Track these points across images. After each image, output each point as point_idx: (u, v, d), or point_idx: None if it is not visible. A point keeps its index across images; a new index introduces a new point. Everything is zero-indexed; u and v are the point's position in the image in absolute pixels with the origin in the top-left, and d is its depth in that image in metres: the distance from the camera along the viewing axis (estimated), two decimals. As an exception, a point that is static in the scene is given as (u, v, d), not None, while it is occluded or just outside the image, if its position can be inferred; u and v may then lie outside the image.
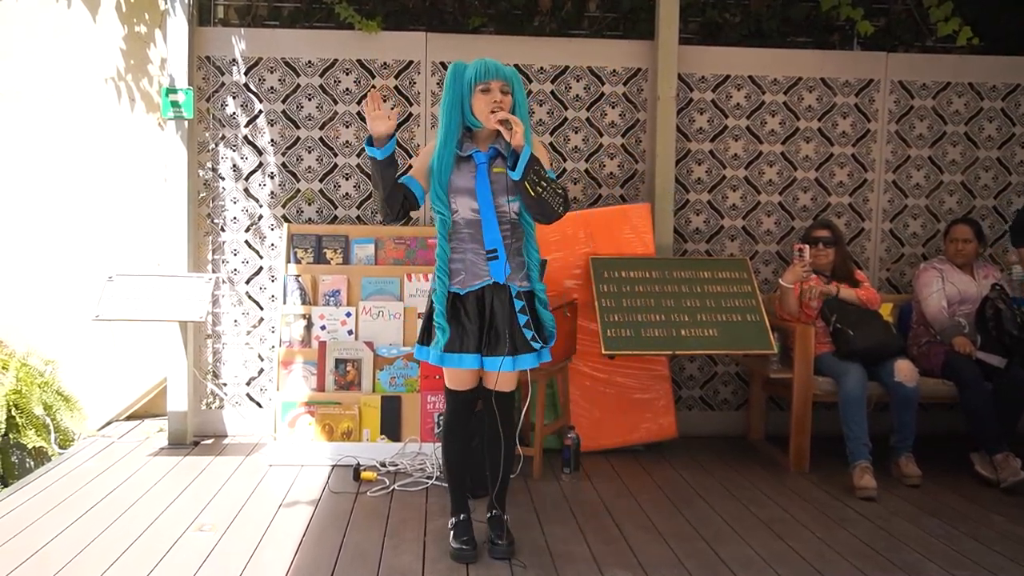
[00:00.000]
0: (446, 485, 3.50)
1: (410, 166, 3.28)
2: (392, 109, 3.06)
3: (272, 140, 4.95)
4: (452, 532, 3.30)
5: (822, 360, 4.43)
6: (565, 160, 5.08)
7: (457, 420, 3.31)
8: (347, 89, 4.97)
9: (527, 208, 3.13)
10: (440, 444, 3.39)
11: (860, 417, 4.18)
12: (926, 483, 4.21)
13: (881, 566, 3.24)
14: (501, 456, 3.27)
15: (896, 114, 5.22)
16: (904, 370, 4.25)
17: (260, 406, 5.00)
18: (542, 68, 5.04)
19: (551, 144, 5.06)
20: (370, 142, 3.04)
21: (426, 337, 3.23)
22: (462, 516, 3.31)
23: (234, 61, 4.91)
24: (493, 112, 3.05)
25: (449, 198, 3.16)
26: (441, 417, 4.26)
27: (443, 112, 3.14)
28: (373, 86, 2.97)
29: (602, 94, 5.07)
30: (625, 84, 5.09)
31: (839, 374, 4.31)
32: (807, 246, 4.48)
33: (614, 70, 5.06)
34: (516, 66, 4.98)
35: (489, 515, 3.34)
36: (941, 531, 3.62)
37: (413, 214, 5.03)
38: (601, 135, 5.10)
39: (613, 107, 5.08)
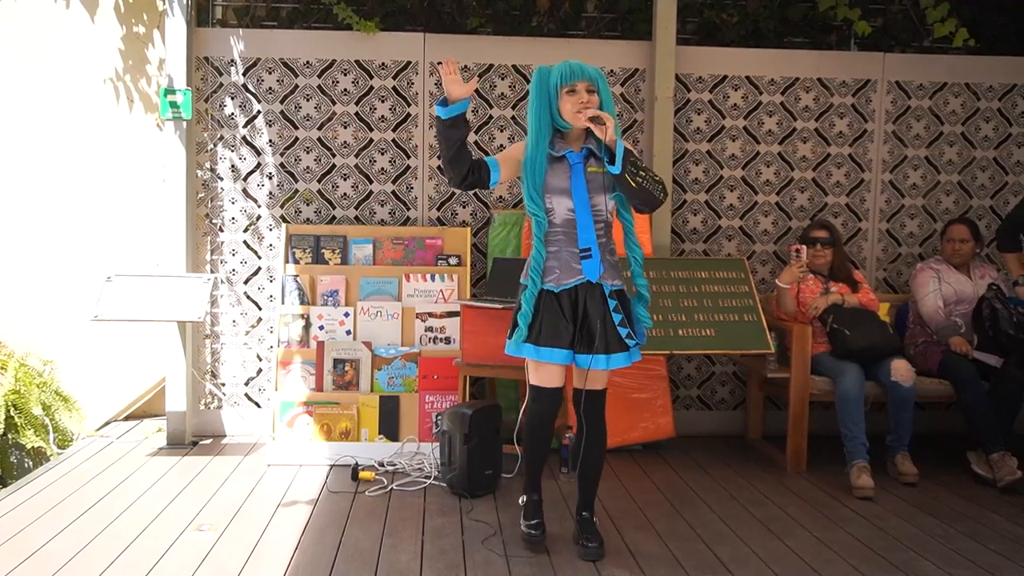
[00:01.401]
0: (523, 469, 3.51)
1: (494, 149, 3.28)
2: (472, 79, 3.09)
3: (270, 140, 4.96)
4: (524, 513, 3.38)
5: (819, 360, 4.44)
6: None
7: (542, 421, 3.30)
8: (345, 90, 4.97)
9: (629, 199, 3.15)
10: (524, 442, 3.41)
11: (857, 417, 4.19)
12: (923, 482, 4.22)
13: (878, 565, 3.25)
14: (596, 459, 3.33)
15: (893, 114, 5.24)
16: (901, 370, 4.26)
17: (259, 406, 5.01)
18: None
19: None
20: (442, 103, 3.03)
21: (513, 333, 3.24)
22: (534, 496, 3.38)
23: (232, 62, 4.92)
24: (579, 112, 3.08)
25: (544, 199, 3.17)
26: (440, 417, 4.27)
27: (531, 116, 3.17)
28: (444, 61, 3.01)
29: (600, 94, 5.08)
30: (623, 85, 5.10)
31: (836, 374, 4.32)
32: (804, 246, 4.49)
33: (612, 71, 5.07)
34: (513, 67, 5.01)
35: (580, 516, 3.36)
36: (938, 530, 3.63)
37: (412, 214, 5.04)
38: (599, 135, 5.10)
39: (611, 107, 5.09)
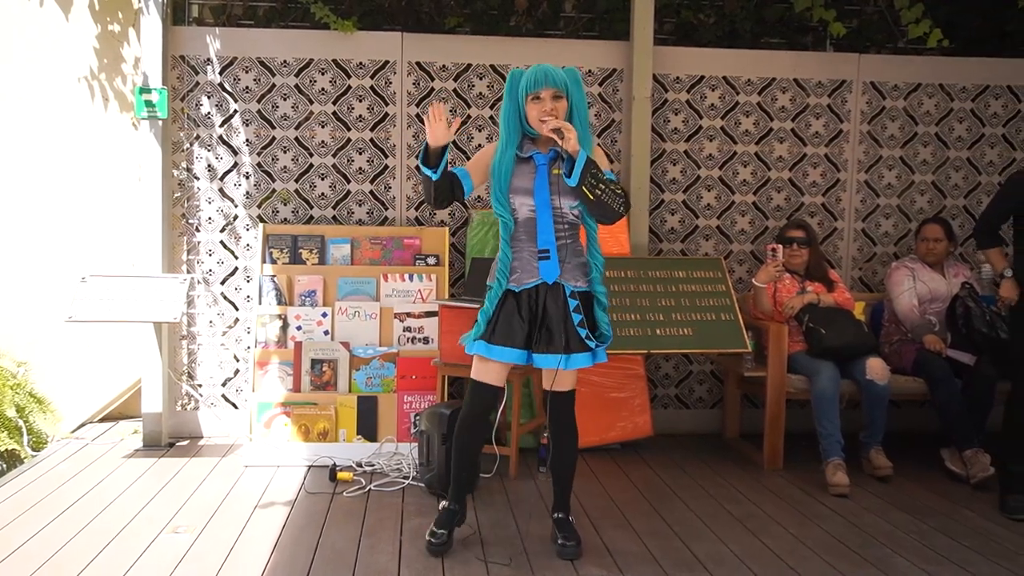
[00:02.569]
0: (450, 475, 3.47)
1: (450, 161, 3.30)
2: (454, 118, 3.11)
3: (247, 140, 4.94)
4: (435, 520, 3.33)
5: (795, 358, 4.48)
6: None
7: (474, 416, 3.30)
8: (323, 89, 4.96)
9: (588, 211, 3.17)
10: (453, 443, 3.39)
11: (833, 415, 4.23)
12: (897, 479, 4.27)
13: (853, 561, 3.28)
14: (566, 459, 3.32)
15: (868, 115, 5.28)
16: (876, 368, 4.30)
17: (236, 407, 4.98)
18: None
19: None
20: (424, 153, 3.11)
21: (474, 330, 3.27)
22: (455, 505, 3.34)
23: (209, 60, 4.89)
24: (540, 119, 3.10)
25: (509, 199, 3.20)
26: (418, 417, 4.27)
27: (502, 119, 3.22)
28: (436, 101, 3.11)
29: (578, 94, 5.08)
30: (600, 84, 5.11)
31: (812, 372, 4.35)
32: (780, 246, 4.53)
33: (590, 70, 5.09)
34: (491, 67, 5.01)
35: (556, 516, 3.36)
36: (912, 526, 3.67)
37: (390, 213, 5.03)
38: (577, 135, 5.11)
39: (589, 107, 5.08)
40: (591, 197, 3.06)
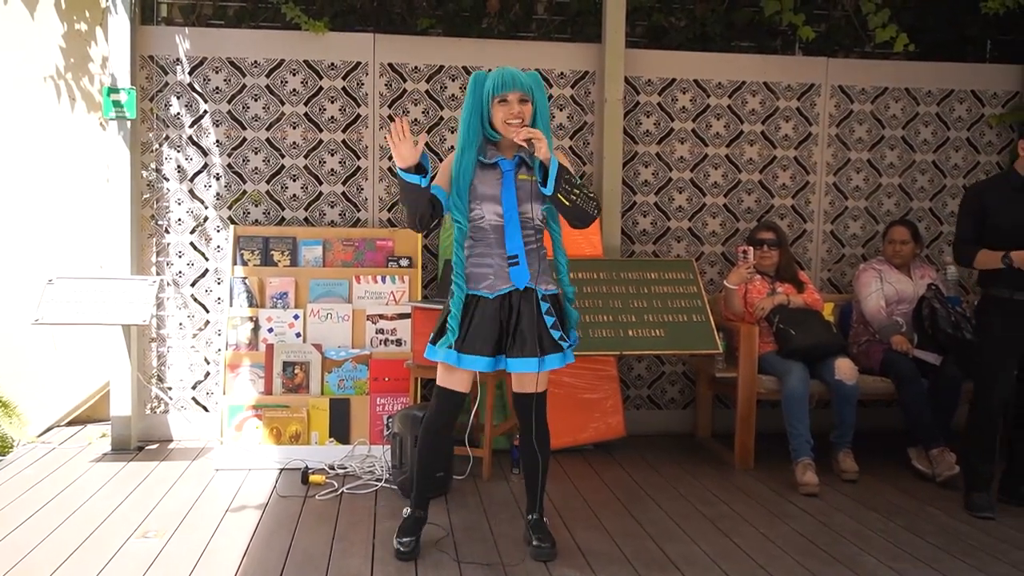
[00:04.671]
0: (412, 480, 3.45)
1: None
2: (419, 134, 3.06)
3: (217, 141, 4.90)
4: (399, 527, 3.31)
5: (765, 359, 4.52)
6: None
7: (442, 420, 3.29)
8: (294, 90, 4.93)
9: (564, 216, 3.16)
10: (418, 449, 3.36)
11: (802, 415, 4.27)
12: (865, 478, 4.33)
13: (822, 560, 3.32)
14: (538, 461, 3.30)
15: (836, 118, 5.35)
16: (844, 368, 4.35)
17: (206, 410, 4.94)
18: (490, 70, 5.03)
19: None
20: (410, 169, 3.03)
21: (438, 337, 3.22)
22: (419, 513, 3.33)
23: (178, 60, 4.84)
24: (508, 123, 3.08)
25: (471, 205, 3.17)
26: (391, 419, 4.25)
27: (462, 121, 3.18)
28: (392, 117, 2.99)
29: (550, 96, 5.10)
30: (573, 87, 5.13)
31: (782, 373, 4.40)
32: (751, 248, 4.57)
33: (562, 73, 5.10)
34: (464, 68, 5.01)
35: (531, 518, 3.35)
36: (880, 525, 3.72)
37: (362, 215, 5.01)
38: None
39: (561, 109, 5.12)
40: (567, 203, 3.07)
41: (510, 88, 3.10)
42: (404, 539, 3.26)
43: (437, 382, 3.28)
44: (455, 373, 3.22)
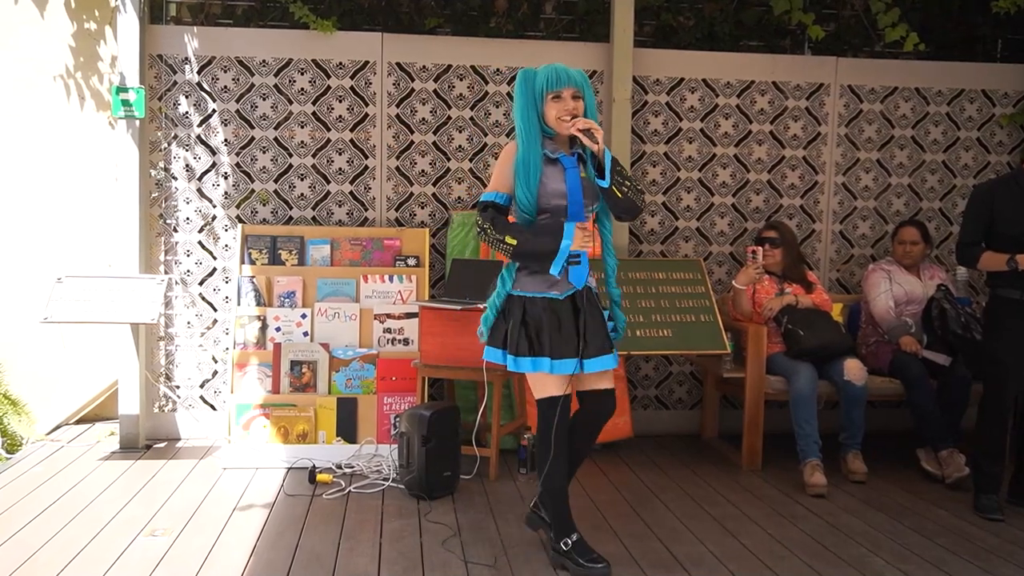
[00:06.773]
0: (552, 509, 3.25)
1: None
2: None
3: (226, 140, 4.90)
4: (575, 552, 3.12)
5: (774, 360, 4.51)
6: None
7: (563, 432, 3.14)
8: (302, 89, 4.93)
9: (613, 209, 3.12)
10: (549, 467, 3.18)
11: (811, 415, 4.26)
12: (874, 479, 4.31)
13: (830, 561, 3.30)
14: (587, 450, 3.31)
15: (846, 118, 5.33)
16: (853, 369, 4.34)
17: (214, 409, 4.95)
18: (498, 70, 5.05)
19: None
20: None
21: (500, 339, 3.14)
22: (575, 536, 3.17)
23: (187, 60, 4.85)
24: (561, 119, 3.04)
25: (539, 202, 3.09)
26: (398, 419, 4.25)
27: (519, 118, 3.11)
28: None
29: (558, 96, 5.09)
30: (581, 86, 5.11)
31: (790, 373, 4.38)
32: (760, 248, 4.56)
33: (570, 72, 5.09)
34: (472, 68, 5.01)
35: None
36: (888, 526, 3.71)
37: (370, 214, 5.02)
38: (557, 137, 5.12)
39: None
40: (619, 195, 3.04)
41: (564, 84, 3.06)
42: (591, 555, 3.13)
43: (540, 395, 3.15)
44: (552, 380, 3.11)
